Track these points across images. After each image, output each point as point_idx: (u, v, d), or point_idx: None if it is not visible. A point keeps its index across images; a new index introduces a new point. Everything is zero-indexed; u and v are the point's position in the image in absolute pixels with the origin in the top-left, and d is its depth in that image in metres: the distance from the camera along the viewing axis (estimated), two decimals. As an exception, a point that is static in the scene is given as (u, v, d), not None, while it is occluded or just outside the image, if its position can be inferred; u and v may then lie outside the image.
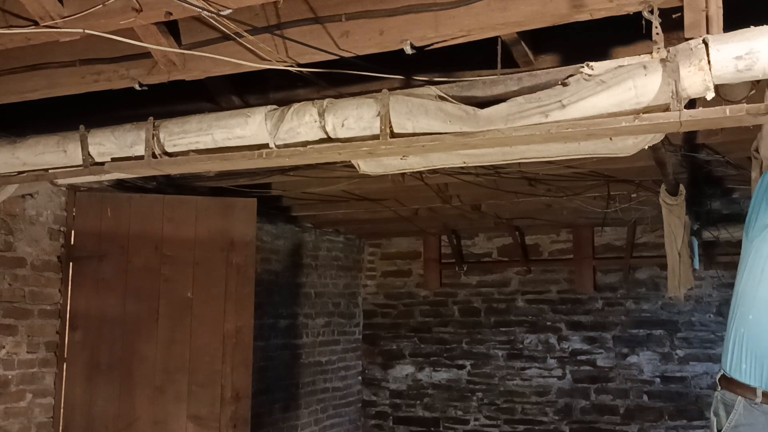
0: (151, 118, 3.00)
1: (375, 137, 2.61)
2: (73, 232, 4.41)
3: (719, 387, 2.48)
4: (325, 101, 2.71)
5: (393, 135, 2.58)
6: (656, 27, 2.13)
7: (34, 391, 4.16)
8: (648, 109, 2.23)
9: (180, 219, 4.54)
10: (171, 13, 2.33)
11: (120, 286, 4.44)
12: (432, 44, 2.47)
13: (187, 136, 2.95)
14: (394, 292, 7.53)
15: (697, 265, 5.12)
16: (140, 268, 4.46)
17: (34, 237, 4.19)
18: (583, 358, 6.72)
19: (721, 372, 2.49)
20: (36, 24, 2.42)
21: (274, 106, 2.83)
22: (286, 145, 2.79)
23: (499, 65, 2.68)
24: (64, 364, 4.32)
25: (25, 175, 3.40)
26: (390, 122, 2.57)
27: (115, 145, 3.09)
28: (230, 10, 2.28)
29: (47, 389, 4.24)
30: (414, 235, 7.30)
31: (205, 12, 2.25)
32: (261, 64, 2.58)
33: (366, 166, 3.09)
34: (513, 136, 2.40)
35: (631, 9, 2.19)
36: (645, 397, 6.47)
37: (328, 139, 2.72)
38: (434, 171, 4.04)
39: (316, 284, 6.80)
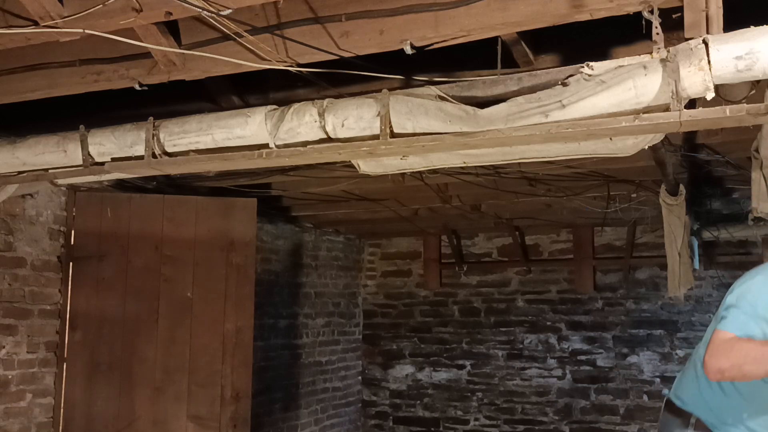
0: (151, 118, 3.00)
1: (375, 137, 2.61)
2: (73, 232, 4.41)
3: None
4: (325, 101, 2.71)
5: (393, 135, 2.58)
6: (656, 27, 2.13)
7: (34, 391, 4.16)
8: (648, 109, 2.23)
9: (180, 219, 4.54)
10: (171, 13, 2.33)
11: (120, 286, 4.44)
12: (432, 44, 2.47)
13: (187, 136, 2.95)
14: (394, 292, 7.53)
15: (697, 265, 5.12)
16: (140, 268, 4.46)
17: (34, 237, 4.19)
18: (583, 358, 6.72)
19: (696, 417, 2.49)
20: (36, 24, 2.42)
21: (274, 106, 2.83)
22: (286, 145, 2.79)
23: (499, 65, 2.68)
24: (64, 364, 4.32)
25: (25, 175, 3.40)
26: (390, 122, 2.57)
27: (115, 145, 3.09)
28: (230, 10, 2.28)
29: (47, 389, 4.24)
30: (414, 235, 7.30)
31: (205, 12, 2.25)
32: (261, 64, 2.58)
33: (366, 166, 3.09)
34: (513, 136, 2.40)
35: (631, 9, 2.19)
36: (645, 397, 6.47)
37: (328, 139, 2.72)
38: (434, 171, 4.04)
39: (316, 284, 6.79)
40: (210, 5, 2.24)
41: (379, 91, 2.61)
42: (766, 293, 2.32)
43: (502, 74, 2.56)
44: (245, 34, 2.48)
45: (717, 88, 2.11)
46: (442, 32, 2.42)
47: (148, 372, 4.39)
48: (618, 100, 2.24)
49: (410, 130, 2.57)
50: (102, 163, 3.15)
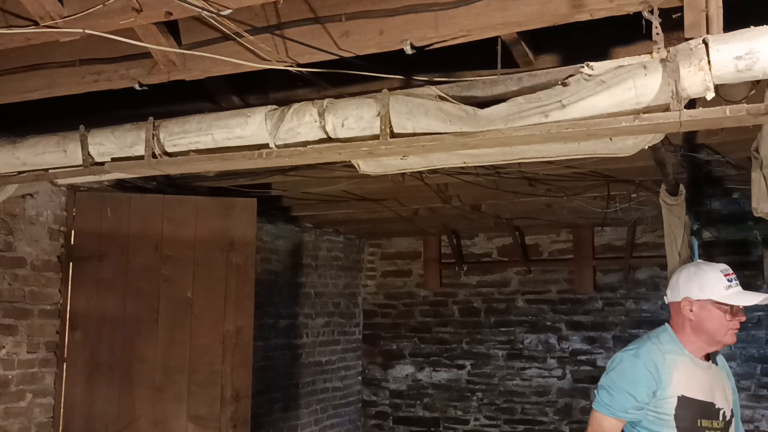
0: (151, 118, 3.00)
1: (375, 137, 2.61)
2: (73, 232, 4.41)
3: None
4: (325, 101, 2.71)
5: (393, 135, 2.58)
6: (656, 27, 2.13)
7: (34, 391, 4.16)
8: (648, 109, 2.23)
9: (180, 219, 4.54)
10: (171, 13, 2.33)
11: (120, 286, 4.44)
12: (432, 44, 2.47)
13: (187, 136, 2.95)
14: (394, 292, 7.53)
15: (697, 265, 5.11)
16: (140, 268, 4.46)
17: (34, 237, 4.19)
18: (583, 358, 6.72)
19: None
20: (36, 24, 2.42)
21: (274, 106, 2.83)
22: (286, 145, 2.79)
23: (499, 65, 2.68)
24: (64, 364, 4.32)
25: (25, 175, 3.40)
26: (390, 122, 2.57)
27: (115, 145, 3.09)
28: (230, 10, 2.28)
29: (47, 389, 4.24)
30: (414, 235, 7.30)
31: (205, 12, 2.25)
32: (261, 64, 2.58)
33: (366, 166, 3.09)
34: (513, 136, 2.40)
35: (631, 9, 2.19)
36: (645, 397, 6.46)
37: (328, 139, 2.72)
38: (434, 171, 4.04)
39: (316, 284, 6.79)
40: (210, 5, 2.24)
41: (379, 91, 2.61)
42: (626, 369, 2.58)
43: (502, 74, 2.56)
44: (245, 34, 2.48)
45: (717, 88, 2.11)
46: (442, 32, 2.42)
47: (148, 372, 4.39)
48: (618, 100, 2.24)
49: (410, 130, 2.57)
50: (102, 163, 3.15)
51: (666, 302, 2.72)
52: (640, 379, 2.54)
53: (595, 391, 2.66)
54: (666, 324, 2.72)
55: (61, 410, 4.29)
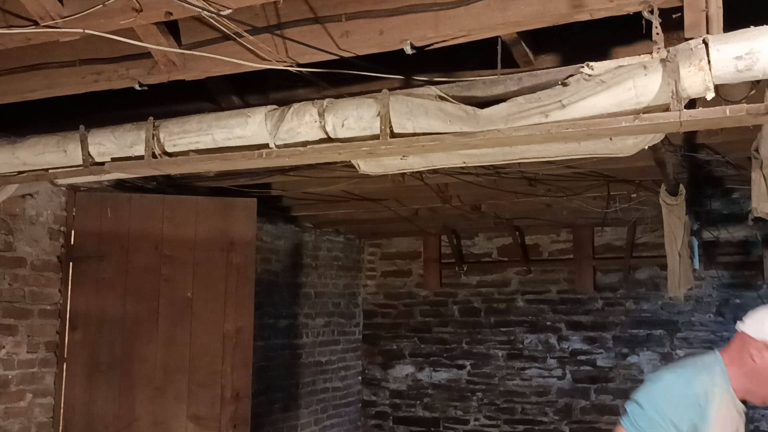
0: (151, 118, 3.00)
1: (375, 137, 2.61)
2: (73, 232, 4.41)
3: None
4: (325, 101, 2.71)
5: (393, 135, 2.58)
6: (656, 27, 2.13)
7: (34, 391, 4.16)
8: (648, 109, 2.23)
9: (180, 219, 4.54)
10: (171, 13, 2.33)
11: (120, 286, 4.44)
12: (432, 44, 2.47)
13: (187, 136, 2.95)
14: (394, 292, 7.53)
15: (697, 265, 5.12)
16: (140, 268, 4.46)
17: (34, 237, 4.19)
18: (583, 358, 6.72)
19: None
20: (36, 24, 2.42)
21: (274, 106, 2.83)
22: (286, 145, 2.79)
23: (499, 65, 2.68)
24: (64, 364, 4.32)
25: (25, 175, 3.41)
26: (390, 122, 2.57)
27: (115, 145, 3.09)
28: (230, 10, 2.28)
29: (47, 389, 4.24)
30: (414, 235, 7.30)
31: (205, 12, 2.25)
32: (261, 64, 2.59)
33: (366, 166, 3.09)
34: (513, 136, 2.40)
35: (631, 9, 2.19)
36: (645, 397, 6.45)
37: (328, 139, 2.72)
38: (434, 171, 4.03)
39: (316, 284, 6.79)
40: (210, 5, 2.24)
41: (379, 91, 2.61)
42: (676, 394, 2.38)
43: (502, 74, 2.56)
44: (245, 34, 2.48)
45: (717, 88, 2.11)
46: (442, 32, 2.42)
47: (148, 372, 4.39)
48: (618, 100, 2.24)
49: (410, 130, 2.58)
50: (102, 163, 3.15)
51: (737, 329, 2.47)
52: (687, 408, 2.35)
53: (626, 406, 2.44)
54: (717, 353, 2.51)
55: (61, 410, 4.29)
